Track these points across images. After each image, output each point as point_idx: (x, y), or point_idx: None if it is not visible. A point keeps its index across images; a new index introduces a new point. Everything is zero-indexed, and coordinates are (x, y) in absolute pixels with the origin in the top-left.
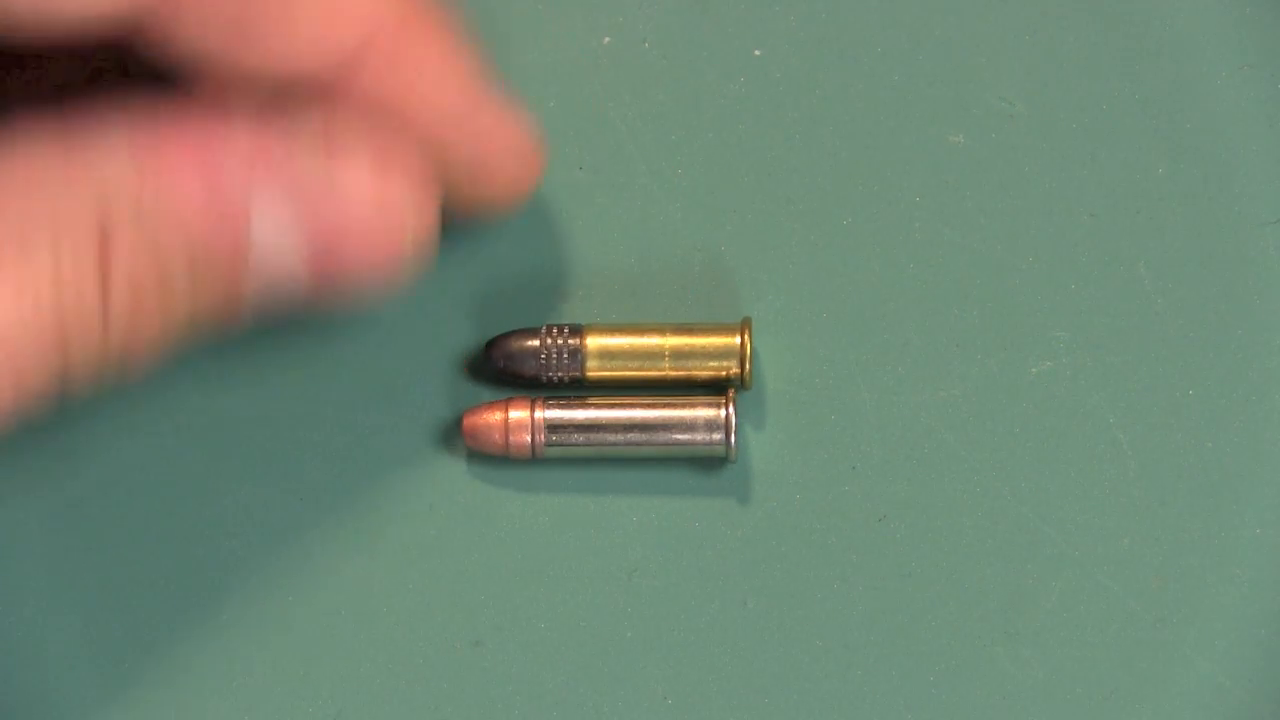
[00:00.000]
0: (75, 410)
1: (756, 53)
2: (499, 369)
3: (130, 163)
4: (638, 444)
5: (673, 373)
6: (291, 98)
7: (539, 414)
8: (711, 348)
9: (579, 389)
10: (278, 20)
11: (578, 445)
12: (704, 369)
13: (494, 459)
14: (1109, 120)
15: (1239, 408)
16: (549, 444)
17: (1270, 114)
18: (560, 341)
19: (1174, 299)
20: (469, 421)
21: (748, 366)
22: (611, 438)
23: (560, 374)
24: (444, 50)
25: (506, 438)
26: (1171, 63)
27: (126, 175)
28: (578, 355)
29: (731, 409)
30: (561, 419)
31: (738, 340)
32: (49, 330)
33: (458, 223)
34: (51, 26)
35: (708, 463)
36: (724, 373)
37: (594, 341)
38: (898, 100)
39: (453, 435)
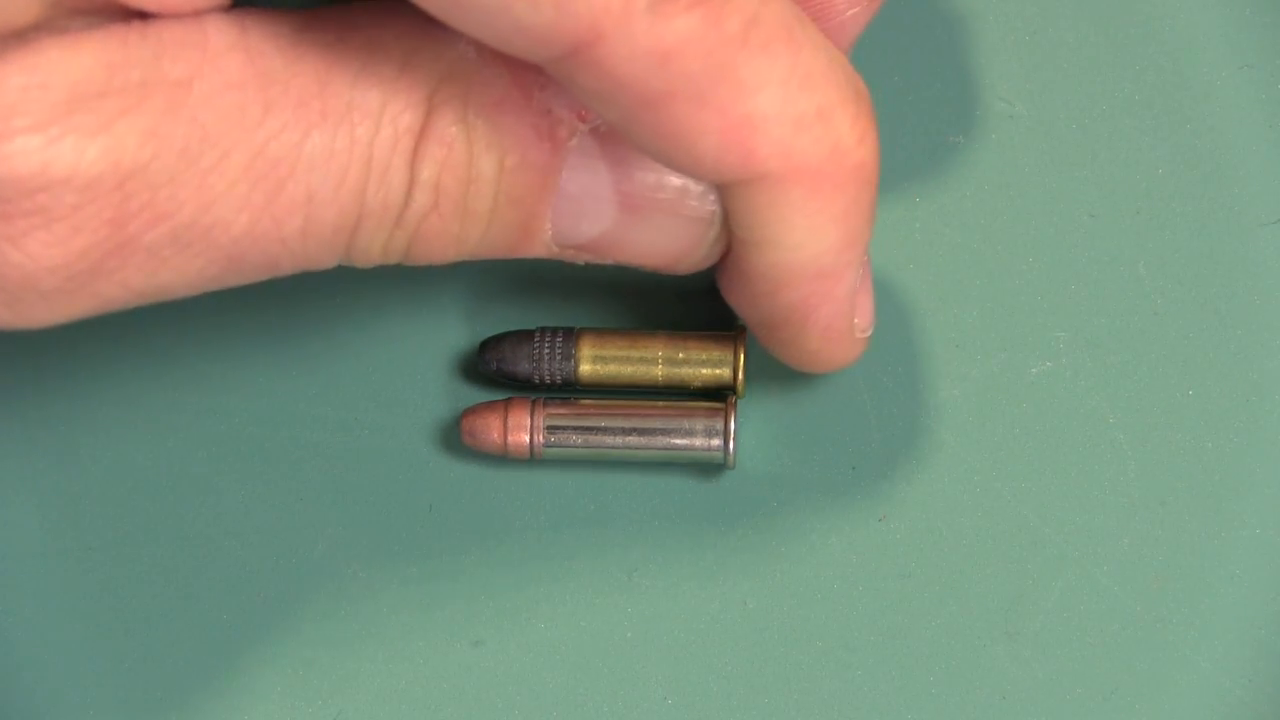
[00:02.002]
0: (75, 410)
1: None
2: (492, 370)
3: (473, 50)
4: (636, 447)
5: (665, 380)
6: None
7: (538, 415)
8: (706, 356)
9: (572, 392)
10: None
11: (576, 447)
12: (697, 377)
13: (493, 459)
14: (1109, 120)
15: (1239, 408)
16: (548, 445)
17: (1270, 114)
18: (554, 345)
19: (1174, 299)
20: (468, 421)
21: (741, 376)
22: (610, 440)
23: (553, 377)
24: None
25: (505, 438)
26: (1171, 63)
27: (466, 61)
28: (571, 359)
29: (731, 416)
30: (561, 420)
31: (732, 350)
32: (347, 209)
33: None
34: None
35: (707, 464)
36: (717, 382)
37: (588, 346)
38: (897, 100)
39: (451, 435)
